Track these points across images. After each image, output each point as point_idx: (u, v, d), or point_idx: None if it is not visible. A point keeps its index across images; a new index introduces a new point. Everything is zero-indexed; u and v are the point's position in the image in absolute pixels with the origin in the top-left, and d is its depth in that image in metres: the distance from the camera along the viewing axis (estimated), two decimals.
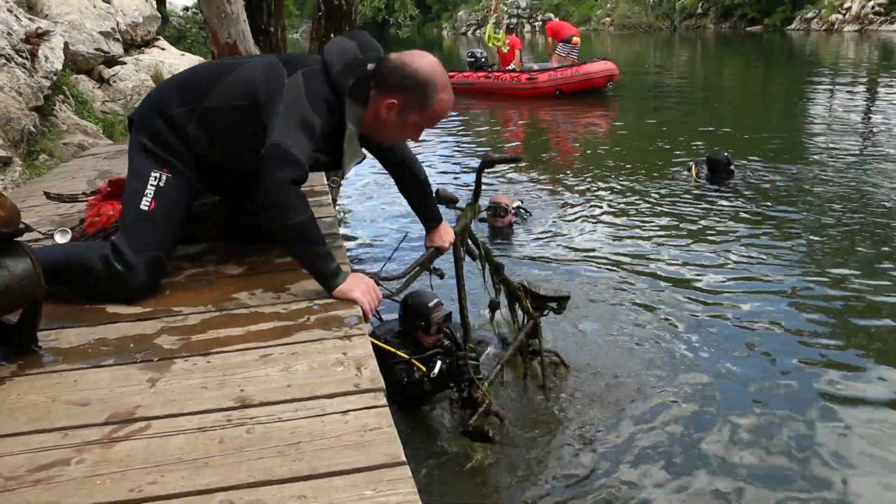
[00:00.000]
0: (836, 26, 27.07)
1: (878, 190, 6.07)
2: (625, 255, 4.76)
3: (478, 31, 38.59)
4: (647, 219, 5.55)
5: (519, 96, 12.95)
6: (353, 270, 1.84)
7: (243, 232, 2.15)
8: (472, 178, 2.69)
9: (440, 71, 1.80)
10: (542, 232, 5.33)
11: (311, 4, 7.87)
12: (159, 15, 7.80)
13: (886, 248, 4.68)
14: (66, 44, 4.84)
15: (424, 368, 2.75)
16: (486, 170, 2.61)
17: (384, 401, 1.29)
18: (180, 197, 1.88)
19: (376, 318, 3.25)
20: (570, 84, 12.45)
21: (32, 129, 3.86)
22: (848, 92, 12.50)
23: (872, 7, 26.29)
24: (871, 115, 10.11)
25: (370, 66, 1.80)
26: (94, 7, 6.06)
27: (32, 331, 1.51)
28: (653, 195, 6.18)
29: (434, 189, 2.30)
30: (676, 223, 5.39)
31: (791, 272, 4.34)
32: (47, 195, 2.65)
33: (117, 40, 6.27)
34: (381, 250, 4.91)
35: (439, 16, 49.14)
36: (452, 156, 8.59)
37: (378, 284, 1.85)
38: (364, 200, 6.46)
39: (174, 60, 6.93)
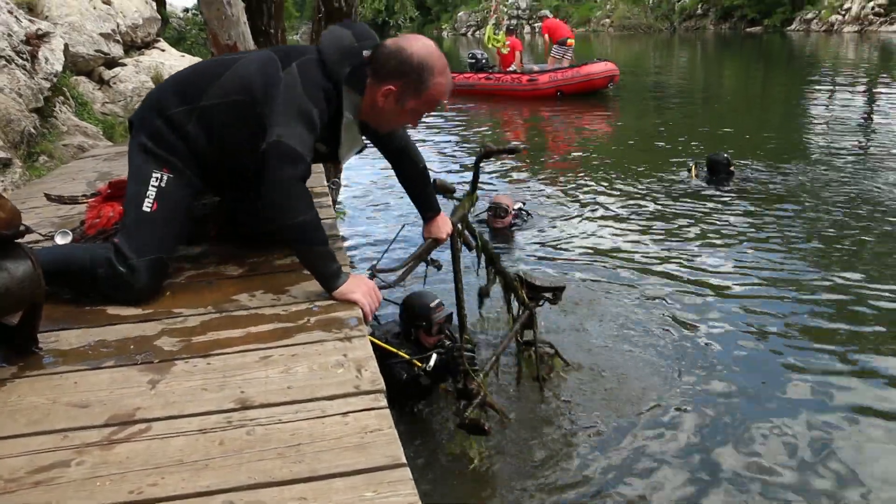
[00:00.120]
0: (835, 27, 27.12)
1: (877, 190, 6.07)
2: (625, 255, 4.76)
3: (478, 32, 38.66)
4: (647, 219, 5.55)
5: (520, 97, 12.95)
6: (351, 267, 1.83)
7: (243, 231, 2.15)
8: (470, 175, 2.67)
9: (437, 54, 1.78)
10: (542, 233, 5.32)
11: (311, 6, 7.87)
12: (159, 16, 7.80)
13: (886, 248, 4.67)
14: (66, 45, 4.84)
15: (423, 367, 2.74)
16: (484, 160, 2.59)
17: (384, 402, 1.29)
18: (182, 197, 1.88)
19: (375, 322, 3.23)
20: (570, 85, 12.46)
21: (32, 130, 3.86)
22: (848, 92, 12.51)
23: (872, 8, 26.34)
24: (870, 116, 10.11)
25: (366, 53, 1.79)
26: (95, 9, 6.07)
27: (33, 332, 1.51)
28: (653, 196, 6.18)
29: (431, 179, 2.28)
30: (677, 224, 5.39)
31: (791, 272, 4.34)
32: (47, 197, 2.65)
33: (117, 42, 6.27)
34: (378, 247, 4.89)
35: (439, 17, 49.26)
36: (453, 155, 8.61)
37: (375, 276, 1.84)
38: (364, 204, 6.46)
39: (174, 62, 6.92)
